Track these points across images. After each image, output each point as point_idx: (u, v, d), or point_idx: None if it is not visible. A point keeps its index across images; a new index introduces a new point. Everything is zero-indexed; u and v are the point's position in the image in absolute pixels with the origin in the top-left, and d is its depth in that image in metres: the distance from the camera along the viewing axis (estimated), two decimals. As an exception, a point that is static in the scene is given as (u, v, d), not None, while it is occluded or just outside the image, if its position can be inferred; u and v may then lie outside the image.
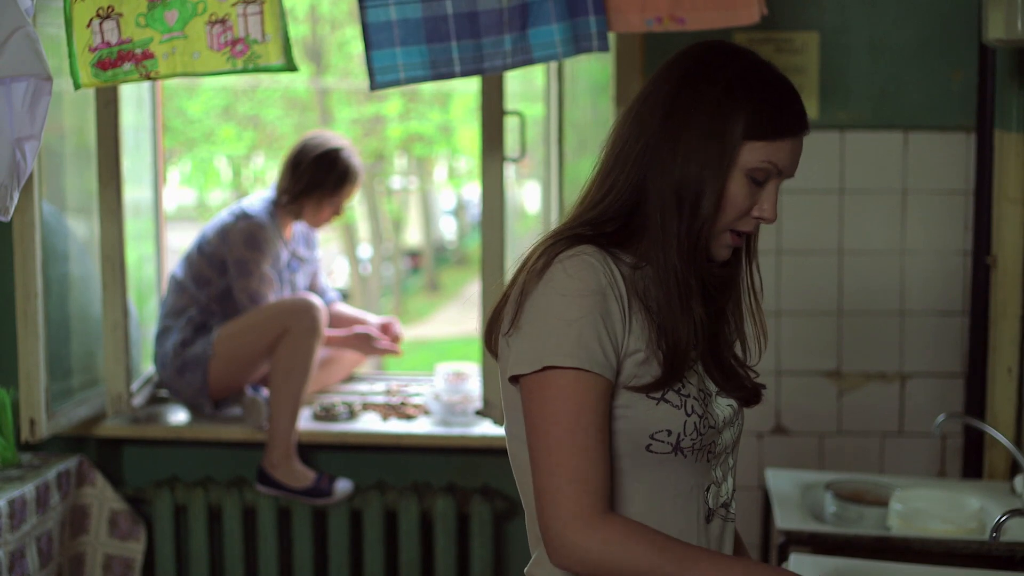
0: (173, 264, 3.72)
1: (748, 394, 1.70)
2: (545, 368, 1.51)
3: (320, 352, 3.56)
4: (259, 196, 3.63)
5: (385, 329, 3.83)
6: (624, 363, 1.55)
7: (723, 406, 1.66)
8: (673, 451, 1.57)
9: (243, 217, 3.52)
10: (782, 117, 1.60)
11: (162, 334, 3.54)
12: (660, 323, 1.56)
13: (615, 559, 1.48)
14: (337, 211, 3.64)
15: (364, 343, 3.71)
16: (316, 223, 3.65)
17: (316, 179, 3.55)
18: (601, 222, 1.60)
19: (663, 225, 1.58)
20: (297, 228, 3.69)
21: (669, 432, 1.56)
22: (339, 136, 3.73)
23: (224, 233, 3.52)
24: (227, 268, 3.51)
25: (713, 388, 1.66)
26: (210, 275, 3.53)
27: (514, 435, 1.64)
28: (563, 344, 1.51)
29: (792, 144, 1.61)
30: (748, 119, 1.57)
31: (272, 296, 3.50)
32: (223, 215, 3.59)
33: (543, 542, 1.52)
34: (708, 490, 1.63)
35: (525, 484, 1.62)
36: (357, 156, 3.64)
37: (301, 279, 3.70)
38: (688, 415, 1.57)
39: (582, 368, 1.50)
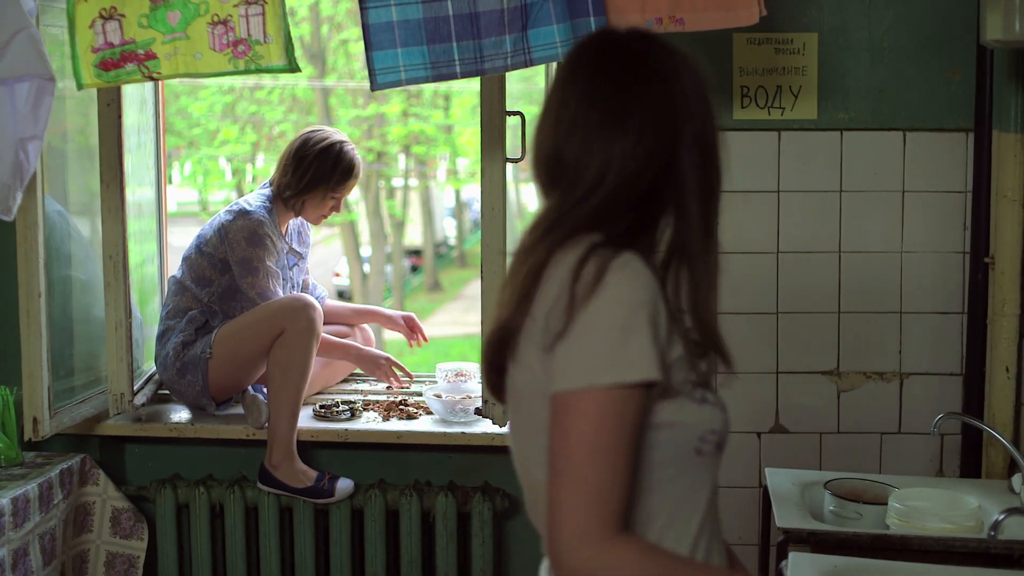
0: (176, 263, 3.73)
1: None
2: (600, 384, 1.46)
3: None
4: (256, 193, 3.63)
5: (408, 323, 3.87)
6: (669, 371, 1.51)
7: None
8: (716, 449, 1.57)
9: (242, 215, 3.51)
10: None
11: (163, 335, 3.55)
12: (699, 316, 1.56)
13: None
14: (337, 206, 3.65)
15: (369, 364, 3.74)
16: (316, 219, 3.66)
17: (320, 173, 3.55)
18: (607, 214, 1.55)
19: (691, 211, 1.56)
20: (290, 225, 3.70)
21: (714, 431, 1.56)
22: (337, 130, 3.73)
23: (224, 232, 3.51)
24: (228, 267, 3.51)
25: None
26: (211, 275, 3.53)
27: (524, 437, 1.61)
28: (623, 357, 1.46)
29: None
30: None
31: (279, 290, 3.51)
32: (221, 215, 3.59)
33: (548, 555, 1.48)
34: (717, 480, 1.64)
35: (533, 483, 1.61)
36: (356, 149, 3.66)
37: (297, 275, 3.72)
38: (723, 411, 1.58)
39: (640, 381, 1.46)
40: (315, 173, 3.55)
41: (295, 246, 3.70)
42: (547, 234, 1.57)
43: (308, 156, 3.56)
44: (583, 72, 1.59)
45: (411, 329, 3.87)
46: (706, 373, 1.58)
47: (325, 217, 3.66)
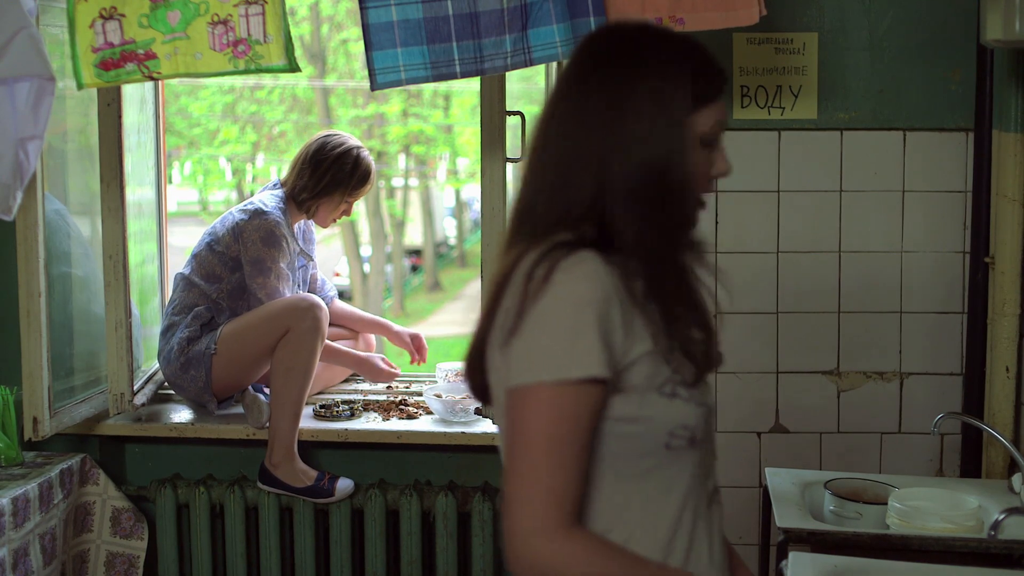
0: (176, 263, 3.72)
1: (716, 364, 1.66)
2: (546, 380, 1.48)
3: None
4: (269, 193, 3.63)
5: (414, 341, 3.88)
6: (630, 368, 1.53)
7: (707, 388, 1.65)
8: (689, 444, 1.57)
9: (258, 215, 3.52)
10: (717, 76, 1.62)
11: (167, 330, 3.55)
12: (673, 317, 1.55)
13: (572, 573, 1.47)
14: (349, 210, 3.68)
15: (370, 370, 3.76)
16: (326, 222, 3.68)
17: (338, 178, 3.58)
18: (574, 220, 1.56)
19: (642, 217, 1.55)
20: (296, 225, 3.71)
21: (686, 427, 1.56)
22: (351, 135, 3.75)
23: (238, 231, 3.52)
24: (239, 265, 3.52)
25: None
26: (221, 272, 3.54)
27: (504, 436, 1.62)
28: (569, 354, 1.48)
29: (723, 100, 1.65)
30: (693, 88, 1.57)
31: (287, 292, 3.52)
32: (234, 213, 3.59)
33: (506, 547, 1.50)
34: (708, 477, 1.65)
35: None
36: (370, 155, 3.68)
37: (303, 274, 3.72)
38: (698, 406, 1.58)
39: (586, 377, 1.48)
40: (333, 178, 3.58)
41: (301, 246, 3.71)
42: (521, 233, 1.60)
43: (326, 160, 3.58)
44: (571, 70, 1.63)
45: (416, 348, 3.89)
46: (690, 370, 1.57)
47: (335, 220, 3.69)
